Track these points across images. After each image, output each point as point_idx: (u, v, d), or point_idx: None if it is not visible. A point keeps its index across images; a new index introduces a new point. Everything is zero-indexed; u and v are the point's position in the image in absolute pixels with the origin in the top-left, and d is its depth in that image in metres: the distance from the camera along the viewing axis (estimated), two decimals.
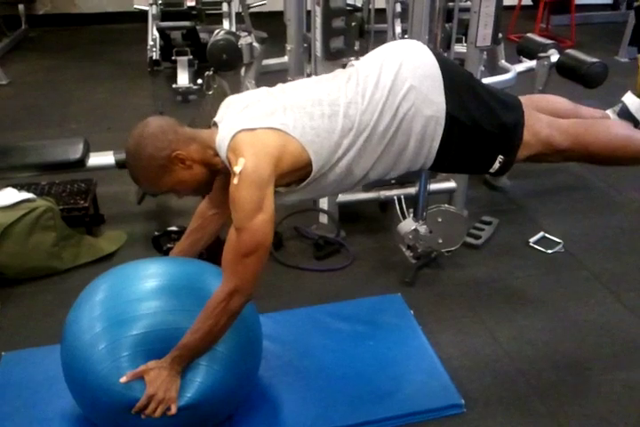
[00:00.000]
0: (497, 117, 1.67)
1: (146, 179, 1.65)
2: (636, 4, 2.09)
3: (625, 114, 2.06)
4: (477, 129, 1.65)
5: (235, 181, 1.49)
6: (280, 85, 1.73)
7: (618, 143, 1.77)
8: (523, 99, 1.91)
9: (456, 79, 1.65)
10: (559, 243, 2.76)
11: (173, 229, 2.46)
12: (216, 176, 1.70)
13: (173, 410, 1.58)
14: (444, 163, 1.72)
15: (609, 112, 2.08)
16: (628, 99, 2.08)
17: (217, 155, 1.61)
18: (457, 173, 1.75)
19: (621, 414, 1.91)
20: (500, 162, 1.71)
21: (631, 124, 2.04)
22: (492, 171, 1.73)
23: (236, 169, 1.49)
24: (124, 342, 1.59)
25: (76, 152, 2.72)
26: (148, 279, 1.71)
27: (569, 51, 2.99)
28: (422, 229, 2.53)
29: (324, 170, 1.62)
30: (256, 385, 1.94)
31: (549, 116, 1.79)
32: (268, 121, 1.56)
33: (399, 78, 1.61)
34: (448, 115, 1.61)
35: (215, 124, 1.67)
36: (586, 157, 1.81)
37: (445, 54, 2.74)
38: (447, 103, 1.61)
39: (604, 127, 1.80)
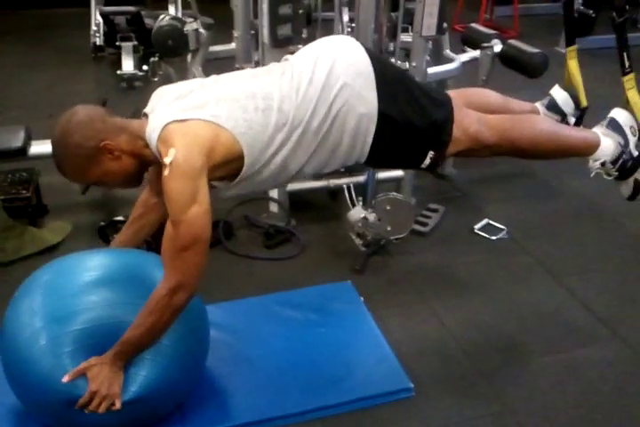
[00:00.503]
0: (428, 115, 1.70)
1: (72, 169, 1.60)
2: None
3: (553, 107, 2.12)
4: (409, 126, 1.68)
5: (165, 172, 1.47)
6: (214, 77, 1.71)
7: (542, 138, 1.83)
8: (454, 94, 1.96)
9: (388, 77, 1.67)
10: (503, 229, 2.83)
11: (119, 218, 2.43)
12: (146, 168, 1.67)
13: (118, 405, 1.57)
14: (378, 158, 1.75)
15: (538, 105, 2.13)
16: (556, 92, 2.14)
17: (147, 146, 1.58)
18: (390, 168, 1.79)
19: (563, 394, 1.98)
20: (430, 157, 1.74)
21: (559, 118, 2.11)
22: (423, 166, 1.77)
23: (167, 160, 1.47)
24: (65, 337, 1.57)
25: (16, 140, 2.64)
26: (89, 272, 1.68)
27: (512, 41, 3.04)
28: (371, 217, 2.56)
29: (258, 165, 1.61)
30: (206, 375, 1.94)
31: (478, 113, 1.83)
32: (200, 112, 1.54)
33: (333, 75, 1.62)
34: (380, 112, 1.63)
35: (145, 115, 1.63)
36: (513, 151, 1.86)
37: (391, 44, 2.77)
38: (379, 101, 1.63)
39: (530, 123, 1.85)
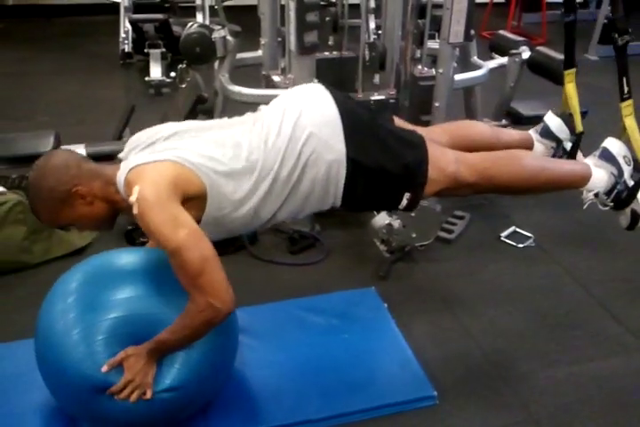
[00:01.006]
0: (400, 158, 1.69)
1: (45, 211, 1.64)
2: (566, 19, 2.10)
3: (547, 134, 2.08)
4: (381, 171, 1.68)
5: (135, 210, 1.49)
6: (187, 124, 1.73)
7: (526, 175, 1.80)
8: (438, 129, 1.97)
9: (356, 124, 1.68)
10: (530, 237, 2.80)
11: None
12: (118, 213, 1.69)
13: (149, 395, 1.59)
14: (353, 203, 1.75)
15: (531, 132, 2.10)
16: (550, 119, 2.09)
17: (118, 192, 1.61)
18: (367, 210, 1.80)
19: (589, 404, 1.95)
20: (407, 199, 1.73)
21: (554, 144, 2.08)
22: (400, 207, 1.76)
23: (132, 198, 1.49)
24: (98, 326, 1.59)
25: (46, 145, 2.68)
26: (121, 267, 1.71)
27: (540, 48, 3.03)
28: (396, 223, 2.55)
29: (225, 210, 1.62)
30: (230, 378, 1.95)
31: (456, 151, 1.81)
32: (166, 154, 1.58)
33: (299, 126, 1.64)
34: (349, 159, 1.64)
35: (120, 161, 1.67)
36: (496, 189, 1.85)
37: (418, 51, 2.76)
38: (347, 148, 1.64)
39: (513, 160, 1.82)
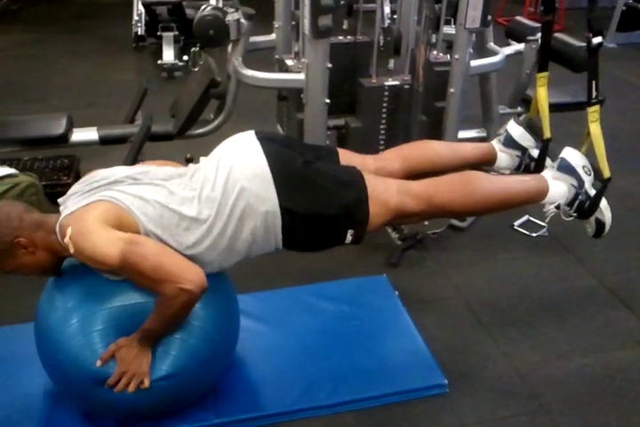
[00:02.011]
0: (337, 200, 1.69)
1: None
2: (544, 18, 2.07)
3: (510, 143, 2.05)
4: (318, 216, 1.68)
5: (71, 250, 1.53)
6: (126, 171, 1.72)
7: (477, 198, 1.79)
8: (391, 152, 1.97)
9: (287, 173, 1.68)
10: (543, 226, 2.77)
11: None
12: (62, 260, 1.70)
13: (146, 383, 1.60)
14: (296, 245, 1.76)
15: (494, 143, 2.07)
16: (512, 128, 2.06)
17: (59, 239, 1.61)
18: (313, 251, 1.80)
19: (600, 395, 1.94)
20: (351, 235, 1.73)
21: (519, 152, 2.05)
22: (347, 242, 1.76)
23: (66, 240, 1.52)
24: (95, 317, 1.60)
25: (59, 127, 2.67)
26: None
27: (557, 35, 2.96)
28: None
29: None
30: (240, 364, 1.96)
31: (401, 181, 1.80)
32: (99, 197, 1.60)
33: (230, 181, 1.64)
34: (283, 208, 1.65)
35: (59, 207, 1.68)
36: (446, 214, 1.84)
37: (433, 36, 2.71)
38: (280, 198, 1.64)
39: (461, 185, 1.80)
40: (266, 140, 1.74)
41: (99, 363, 1.58)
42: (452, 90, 2.59)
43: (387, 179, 1.81)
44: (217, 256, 1.66)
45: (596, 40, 1.87)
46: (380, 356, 2.04)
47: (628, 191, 3.09)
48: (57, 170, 2.77)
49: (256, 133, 1.76)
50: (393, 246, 2.60)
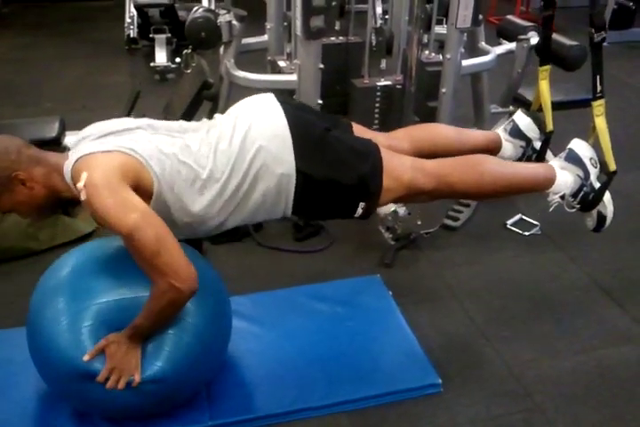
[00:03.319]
0: (352, 169, 1.68)
1: None
2: (543, 13, 2.10)
3: (516, 133, 2.06)
4: (332, 183, 1.67)
5: (83, 197, 1.48)
6: (141, 121, 1.71)
7: (487, 181, 1.79)
8: (401, 132, 1.95)
9: (307, 137, 1.67)
10: (536, 225, 2.78)
11: None
12: (61, 202, 1.68)
13: (137, 379, 1.60)
14: (305, 212, 1.76)
15: (500, 131, 2.08)
16: (519, 118, 2.07)
17: (63, 179, 1.59)
18: (321, 219, 1.79)
19: (594, 393, 1.95)
20: (362, 208, 1.72)
21: (523, 143, 2.06)
22: (356, 216, 1.75)
23: (80, 185, 1.48)
24: (85, 313, 1.60)
25: (51, 131, 2.68)
26: (110, 255, 1.71)
27: (552, 32, 2.98)
28: (401, 210, 2.54)
29: (170, 209, 1.61)
30: (234, 366, 1.96)
31: (414, 158, 1.80)
32: (116, 145, 1.56)
33: (248, 139, 1.63)
34: (299, 172, 1.63)
35: (69, 149, 1.65)
36: (455, 195, 1.83)
37: (425, 36, 2.72)
38: (297, 161, 1.63)
39: (472, 166, 1.80)
40: (285, 103, 1.73)
41: (86, 357, 1.56)
42: (443, 89, 2.61)
43: (400, 155, 1.81)
44: (225, 215, 1.65)
45: (599, 36, 1.88)
46: (374, 356, 2.05)
47: (622, 190, 3.08)
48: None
49: (275, 96, 1.76)
50: (386, 247, 2.60)
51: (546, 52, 2.14)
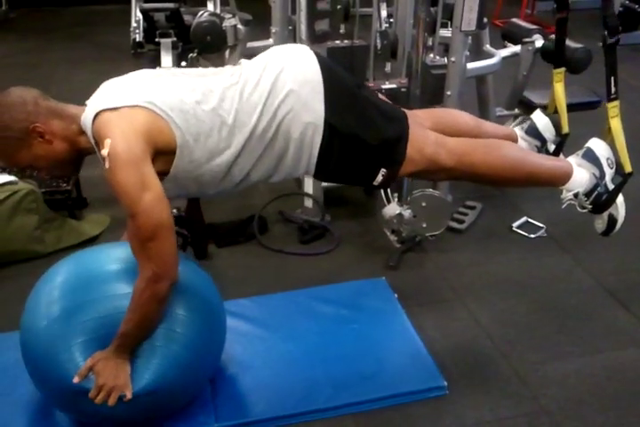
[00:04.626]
0: (379, 130, 1.64)
1: (1, 151, 1.57)
2: (558, 15, 2.08)
3: (533, 132, 2.04)
4: (358, 140, 1.62)
5: (106, 165, 1.44)
6: (159, 70, 1.68)
7: (506, 165, 1.76)
8: (423, 113, 1.90)
9: (339, 89, 1.62)
10: (542, 228, 2.78)
11: None
12: (82, 156, 1.63)
13: (128, 395, 1.58)
14: (326, 172, 1.68)
15: (517, 129, 2.06)
16: (537, 117, 2.06)
17: (82, 133, 1.55)
18: (340, 182, 1.74)
19: (600, 395, 1.94)
20: (382, 175, 1.68)
21: (538, 143, 2.04)
22: (375, 183, 1.70)
23: (104, 152, 1.43)
24: (77, 329, 1.59)
25: None
26: (104, 264, 1.70)
27: (553, 36, 2.98)
28: (406, 213, 2.54)
29: (196, 162, 1.56)
30: (239, 368, 1.97)
31: (438, 134, 1.76)
32: (134, 99, 1.50)
33: (279, 82, 1.57)
34: (327, 123, 1.58)
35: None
36: (473, 176, 1.79)
37: (430, 39, 2.73)
38: (326, 111, 1.57)
39: (495, 149, 1.77)
40: (318, 53, 1.69)
41: (76, 379, 1.55)
42: (448, 92, 2.60)
43: (425, 128, 1.77)
44: (250, 165, 1.59)
45: (613, 37, 1.88)
46: (380, 358, 2.05)
47: (628, 192, 3.08)
48: (56, 177, 2.78)
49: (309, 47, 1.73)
50: (392, 249, 2.60)
51: (560, 55, 2.13)
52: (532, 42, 2.96)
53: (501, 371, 2.03)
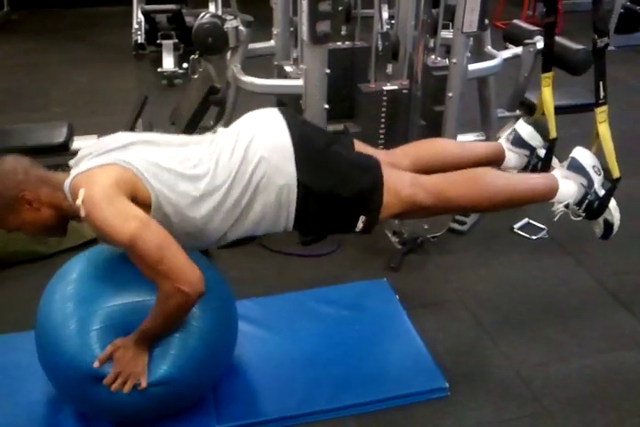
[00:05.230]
0: (353, 183, 1.69)
1: None
2: (545, 20, 2.09)
3: (519, 142, 2.06)
4: (333, 196, 1.67)
5: (82, 213, 1.49)
6: (141, 135, 1.72)
7: (486, 195, 1.79)
8: (403, 150, 1.97)
9: (309, 150, 1.68)
10: (543, 229, 2.78)
11: None
12: (67, 220, 1.69)
13: (144, 384, 1.60)
14: (307, 226, 1.75)
15: (502, 141, 2.08)
16: (521, 127, 2.07)
17: (67, 199, 1.60)
18: (322, 233, 1.79)
19: (602, 396, 1.94)
20: (363, 222, 1.73)
21: (527, 152, 2.06)
22: (357, 230, 1.75)
23: (78, 201, 1.48)
24: (93, 317, 1.61)
25: (60, 136, 2.70)
26: (117, 260, 1.72)
27: (555, 38, 2.98)
28: None
29: (169, 218, 1.60)
30: (241, 369, 1.97)
31: (414, 174, 1.81)
32: (113, 159, 1.57)
33: (251, 150, 1.64)
34: (300, 184, 1.64)
35: (70, 168, 1.67)
36: (456, 209, 1.83)
37: (431, 41, 2.73)
38: (298, 173, 1.64)
39: (472, 180, 1.80)
40: (290, 117, 1.75)
41: (96, 364, 1.58)
42: (450, 94, 2.61)
43: (400, 171, 1.82)
44: (226, 227, 1.65)
45: (602, 41, 1.88)
46: (381, 360, 2.05)
47: (629, 193, 3.08)
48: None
49: (279, 110, 1.77)
50: (393, 250, 2.60)
51: (549, 60, 2.14)
52: (534, 43, 2.96)
53: (503, 372, 2.03)
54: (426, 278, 2.49)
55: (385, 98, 2.65)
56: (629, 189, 3.09)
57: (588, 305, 2.34)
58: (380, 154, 1.92)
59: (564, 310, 2.31)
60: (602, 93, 1.90)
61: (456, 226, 2.74)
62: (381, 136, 2.70)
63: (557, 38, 2.96)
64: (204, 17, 2.77)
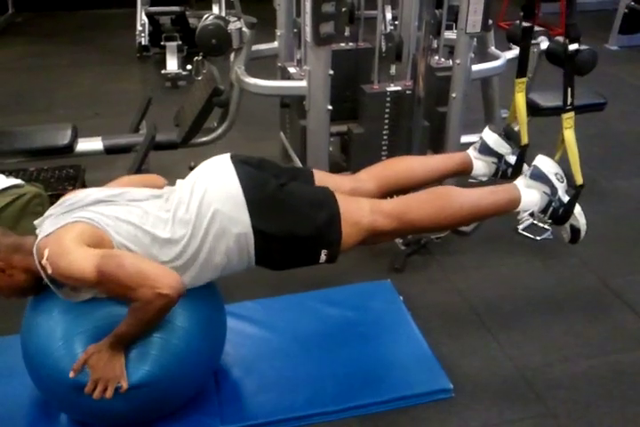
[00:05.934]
0: (309, 221, 1.71)
1: None
2: (523, 25, 2.10)
3: (486, 150, 2.07)
4: (290, 236, 1.69)
5: (49, 270, 1.52)
6: (100, 193, 1.73)
7: (446, 213, 1.82)
8: (368, 173, 1.99)
9: (259, 195, 1.69)
10: (548, 230, 2.77)
11: None
12: (41, 281, 1.69)
13: (125, 386, 1.60)
14: (271, 264, 1.77)
15: (470, 151, 2.10)
16: (487, 135, 2.09)
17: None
18: (287, 269, 1.81)
19: (607, 397, 1.93)
20: (325, 255, 1.75)
21: (495, 159, 2.07)
22: (321, 261, 1.77)
23: (44, 261, 1.52)
24: (75, 327, 1.62)
25: (64, 138, 2.70)
26: None
27: (559, 38, 2.98)
28: None
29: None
30: (244, 371, 1.97)
31: (373, 200, 1.83)
32: (76, 217, 1.60)
33: (204, 203, 1.66)
34: (256, 230, 1.66)
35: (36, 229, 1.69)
36: (420, 230, 1.85)
37: (435, 42, 2.73)
38: (252, 219, 1.66)
39: (432, 201, 1.83)
40: (240, 162, 1.76)
41: (71, 374, 1.58)
42: (453, 95, 2.60)
43: (359, 199, 1.84)
44: (189, 275, 1.67)
45: (573, 47, 1.88)
46: (385, 361, 2.04)
47: (631, 193, 3.08)
48: (62, 180, 2.78)
49: (231, 157, 1.78)
50: (397, 252, 2.60)
51: (524, 65, 2.13)
52: (538, 44, 2.96)
53: (507, 373, 2.03)
54: (430, 279, 2.48)
55: (388, 99, 2.65)
56: (634, 189, 3.09)
57: (593, 306, 2.34)
58: (343, 180, 1.95)
59: (569, 311, 2.30)
60: (569, 99, 1.91)
61: (460, 227, 2.73)
62: (385, 137, 2.70)
63: (561, 38, 2.96)
64: (208, 19, 2.77)
